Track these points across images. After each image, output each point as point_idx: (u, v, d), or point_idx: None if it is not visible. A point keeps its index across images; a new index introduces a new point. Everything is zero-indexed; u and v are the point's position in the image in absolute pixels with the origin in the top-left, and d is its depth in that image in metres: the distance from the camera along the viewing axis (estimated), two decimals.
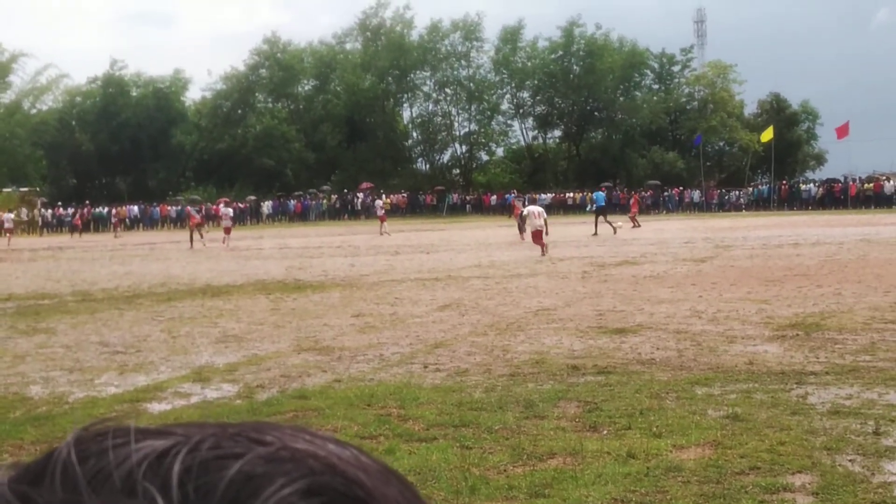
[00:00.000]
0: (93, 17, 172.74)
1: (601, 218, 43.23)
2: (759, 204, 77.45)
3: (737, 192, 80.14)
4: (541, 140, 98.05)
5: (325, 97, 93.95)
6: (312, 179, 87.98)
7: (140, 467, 0.51)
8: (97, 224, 74.56)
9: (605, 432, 7.80)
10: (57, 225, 74.73)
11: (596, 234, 41.38)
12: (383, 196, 73.74)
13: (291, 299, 18.85)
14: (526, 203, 40.76)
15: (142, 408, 9.34)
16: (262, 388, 10.08)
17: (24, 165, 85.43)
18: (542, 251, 28.95)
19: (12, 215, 62.85)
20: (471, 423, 8.14)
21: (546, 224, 30.01)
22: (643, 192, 74.26)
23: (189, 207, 56.10)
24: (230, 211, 46.83)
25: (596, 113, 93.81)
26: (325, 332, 14.03)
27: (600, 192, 49.21)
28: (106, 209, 77.48)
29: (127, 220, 75.05)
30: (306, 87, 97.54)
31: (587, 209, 76.95)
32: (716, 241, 33.82)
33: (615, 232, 40.77)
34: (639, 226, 47.84)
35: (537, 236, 29.88)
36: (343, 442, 0.57)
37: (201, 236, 42.99)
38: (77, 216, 69.50)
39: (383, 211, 52.88)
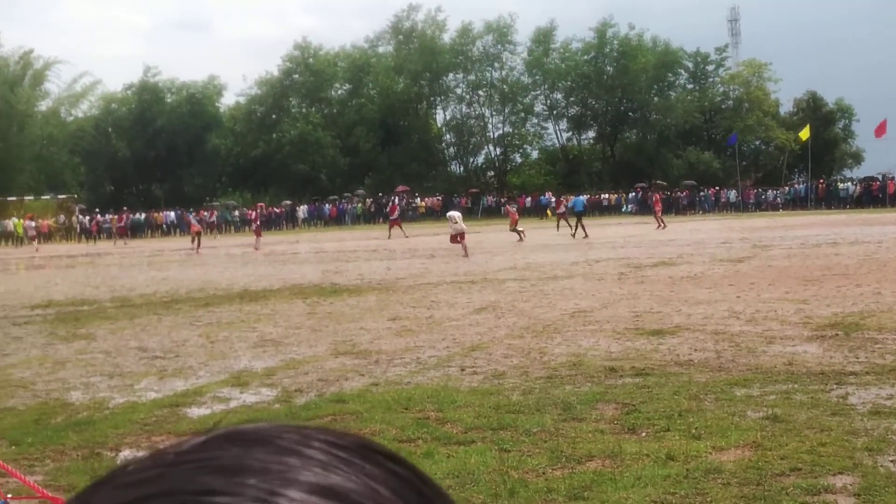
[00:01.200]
0: (129, 25, 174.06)
1: (579, 222, 43.98)
2: (797, 203, 76.85)
3: (773, 192, 79.48)
4: (575, 141, 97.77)
5: (359, 101, 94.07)
6: (347, 183, 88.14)
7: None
8: (134, 231, 75.10)
9: (643, 434, 7.77)
10: (96, 232, 75.38)
11: (584, 236, 41.60)
12: (395, 199, 73.64)
13: (328, 303, 18.91)
14: (511, 208, 45.71)
15: (181, 413, 9.40)
16: (300, 392, 10.12)
17: (62, 172, 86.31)
18: (464, 252, 32.01)
19: (34, 223, 63.46)
20: (509, 426, 8.14)
21: (463, 228, 33.27)
22: (662, 194, 73.99)
23: (189, 216, 57.02)
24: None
25: (630, 113, 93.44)
26: (362, 336, 14.06)
27: (580, 198, 50.68)
28: (143, 215, 78.13)
29: (164, 225, 75.64)
30: (339, 92, 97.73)
31: (623, 210, 76.89)
32: (753, 241, 33.60)
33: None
34: (665, 226, 47.78)
35: (454, 239, 33.28)
36: (353, 463, 0.54)
37: (198, 245, 43.61)
38: (122, 222, 70.03)
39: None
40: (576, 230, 43.30)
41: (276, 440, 0.55)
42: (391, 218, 52.36)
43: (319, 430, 0.56)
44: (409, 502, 0.54)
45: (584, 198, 50.46)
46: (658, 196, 56.06)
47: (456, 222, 33.22)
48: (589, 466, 6.94)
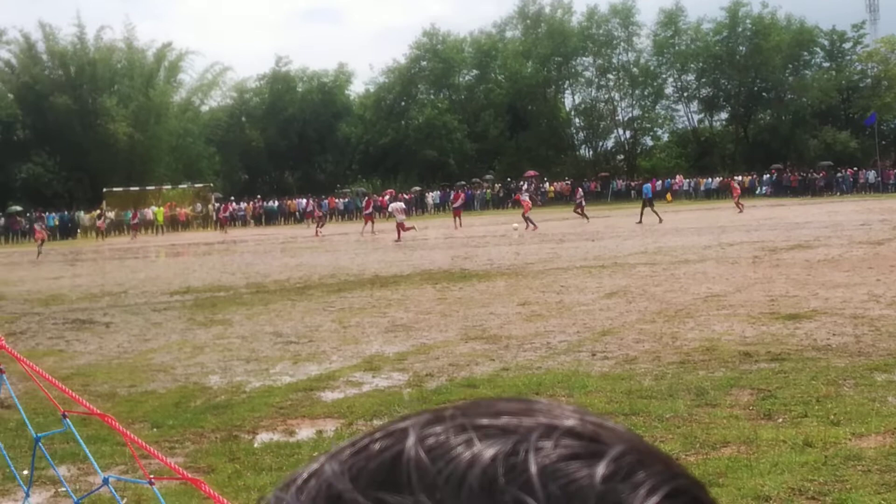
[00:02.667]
0: (263, 16, 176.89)
1: (647, 209, 43.98)
2: None
3: None
4: (707, 123, 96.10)
5: (487, 86, 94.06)
6: (475, 169, 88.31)
7: (496, 467, 0.50)
8: (268, 218, 76.67)
9: (780, 420, 7.62)
10: (230, 219, 77.25)
11: (658, 221, 41.37)
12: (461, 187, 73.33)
13: (457, 288, 19.00)
14: (524, 197, 47.66)
15: (315, 396, 9.56)
16: (430, 376, 10.19)
17: (198, 161, 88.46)
18: (398, 237, 37.94)
19: (110, 214, 65.28)
20: (641, 412, 8.07)
21: (406, 218, 39.90)
22: (741, 177, 73.40)
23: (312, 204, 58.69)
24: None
25: (764, 93, 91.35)
26: (492, 321, 14.09)
27: (647, 185, 49.94)
28: (276, 203, 79.68)
29: (297, 212, 76.97)
30: (467, 77, 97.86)
31: (756, 192, 75.35)
32: (893, 223, 32.57)
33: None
34: (742, 211, 47.71)
35: (400, 227, 39.06)
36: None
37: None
38: (226, 212, 71.66)
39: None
40: (641, 217, 43.30)
41: (535, 400, 0.58)
42: (454, 207, 51.89)
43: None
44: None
45: (649, 185, 49.81)
46: (734, 182, 57.75)
47: (399, 213, 40.24)
48: (724, 453, 6.84)
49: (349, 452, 0.53)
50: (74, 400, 2.17)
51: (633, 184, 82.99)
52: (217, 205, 73.89)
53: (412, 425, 0.54)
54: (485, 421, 0.53)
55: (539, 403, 0.56)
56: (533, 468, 0.49)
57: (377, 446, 0.53)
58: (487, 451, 0.50)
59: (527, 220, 41.73)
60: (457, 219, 49.40)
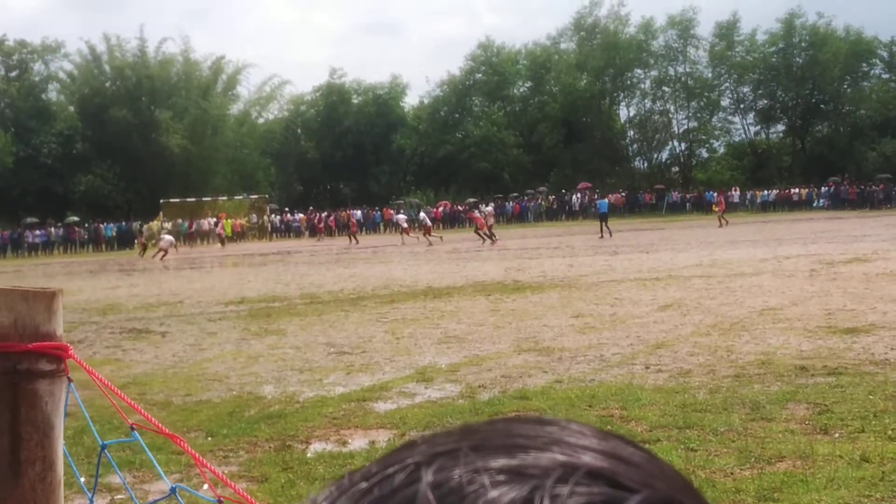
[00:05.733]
0: (323, 29, 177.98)
1: (604, 224, 46.94)
2: None
3: None
4: (763, 135, 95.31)
5: (541, 98, 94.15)
6: (529, 180, 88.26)
7: None
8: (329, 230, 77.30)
9: (836, 435, 7.53)
10: (284, 230, 77.82)
11: (602, 237, 44.38)
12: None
13: (510, 300, 18.97)
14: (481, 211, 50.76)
15: (368, 407, 9.59)
16: (483, 388, 10.19)
17: (254, 173, 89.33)
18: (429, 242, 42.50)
19: (167, 225, 65.76)
20: (695, 425, 8.01)
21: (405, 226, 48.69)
22: (730, 192, 74.22)
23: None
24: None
25: (821, 105, 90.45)
26: (545, 333, 14.05)
27: (602, 201, 52.74)
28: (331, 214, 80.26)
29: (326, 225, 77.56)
30: (522, 89, 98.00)
31: (814, 205, 74.53)
32: None
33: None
34: (724, 225, 49.30)
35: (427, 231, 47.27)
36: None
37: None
38: (328, 219, 72.65)
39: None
40: (602, 233, 45.65)
41: (552, 423, 0.57)
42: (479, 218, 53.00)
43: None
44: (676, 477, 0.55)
45: (605, 200, 53.00)
46: (721, 195, 60.70)
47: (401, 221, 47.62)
48: (779, 467, 6.77)
49: (360, 490, 0.52)
50: (144, 417, 2.21)
51: (688, 196, 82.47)
52: (275, 216, 74.88)
53: (425, 462, 0.52)
54: (500, 461, 0.51)
55: (556, 429, 0.55)
56: None
57: (388, 486, 0.52)
58: (502, 498, 0.49)
59: (484, 235, 44.29)
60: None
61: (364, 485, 0.53)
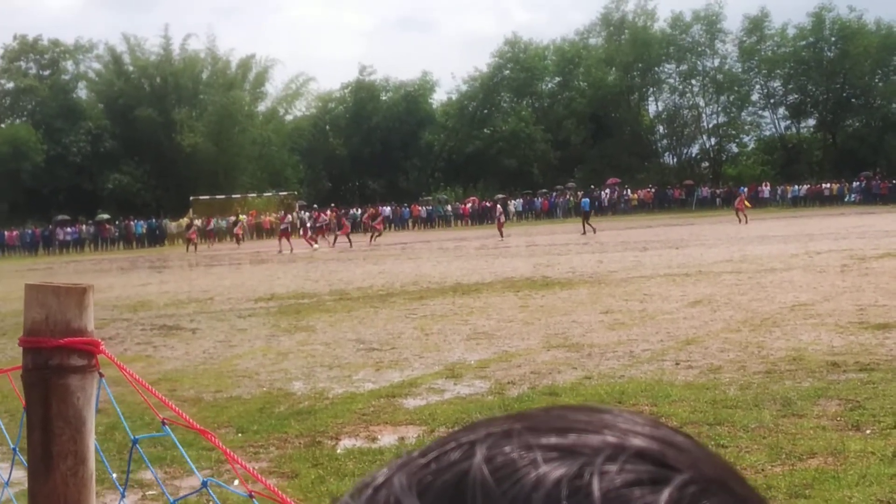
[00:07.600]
0: (352, 26, 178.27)
1: (586, 221, 48.35)
2: None
3: None
4: (794, 130, 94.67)
5: (569, 94, 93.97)
6: (557, 176, 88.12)
7: (560, 490, 0.50)
8: (352, 226, 77.16)
9: (868, 431, 7.47)
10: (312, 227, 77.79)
11: (593, 232, 45.82)
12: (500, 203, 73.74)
13: (539, 296, 18.94)
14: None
15: (398, 403, 9.60)
16: (512, 384, 10.17)
17: (283, 170, 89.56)
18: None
19: (197, 222, 65.88)
20: (725, 422, 7.97)
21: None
22: (761, 187, 74.50)
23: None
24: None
25: (853, 99, 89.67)
26: (574, 329, 14.02)
27: (586, 199, 53.36)
28: (359, 210, 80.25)
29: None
30: (549, 85, 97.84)
31: (845, 200, 73.98)
32: None
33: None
34: (742, 222, 48.91)
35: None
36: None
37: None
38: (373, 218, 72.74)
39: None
40: (584, 230, 46.95)
41: (606, 411, 0.58)
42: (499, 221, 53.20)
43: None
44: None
45: (587, 199, 53.51)
46: (743, 195, 59.60)
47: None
48: (810, 464, 6.73)
49: (418, 465, 0.54)
50: (176, 413, 2.22)
51: (718, 191, 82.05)
52: (304, 213, 74.93)
53: (480, 440, 0.54)
54: (552, 440, 0.53)
55: (609, 416, 0.57)
56: (596, 493, 0.49)
57: (445, 461, 0.53)
58: (553, 473, 0.50)
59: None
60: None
61: (422, 460, 0.55)
